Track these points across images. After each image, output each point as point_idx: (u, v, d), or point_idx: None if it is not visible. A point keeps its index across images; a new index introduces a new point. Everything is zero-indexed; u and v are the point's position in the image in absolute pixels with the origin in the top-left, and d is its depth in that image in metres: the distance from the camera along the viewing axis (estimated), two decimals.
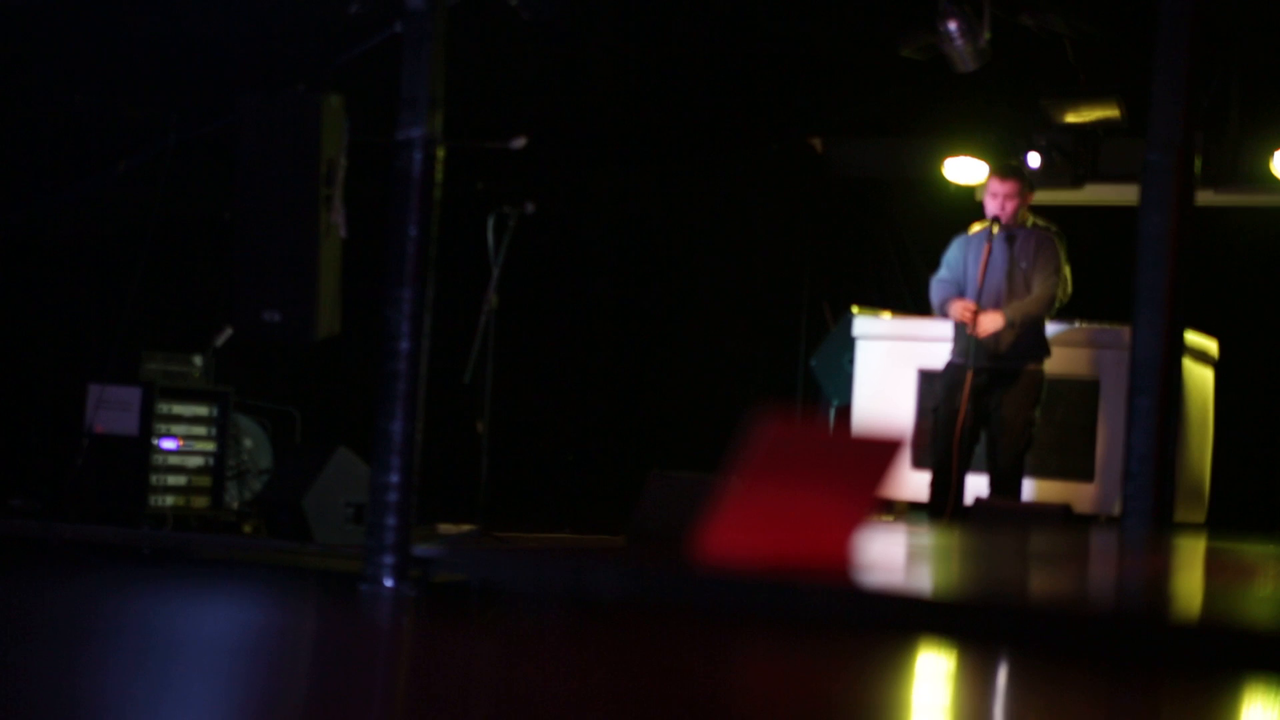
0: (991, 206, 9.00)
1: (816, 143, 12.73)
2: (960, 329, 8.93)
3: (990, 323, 8.77)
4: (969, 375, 8.83)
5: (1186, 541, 7.31)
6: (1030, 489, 9.12)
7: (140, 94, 9.78)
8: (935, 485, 8.91)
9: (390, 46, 8.17)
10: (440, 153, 7.60)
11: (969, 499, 8.91)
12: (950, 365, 9.00)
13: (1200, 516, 9.96)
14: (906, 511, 9.92)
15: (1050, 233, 9.23)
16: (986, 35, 9.50)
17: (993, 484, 8.87)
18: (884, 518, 9.63)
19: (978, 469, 9.05)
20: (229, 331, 9.85)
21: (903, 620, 3.03)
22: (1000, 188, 8.98)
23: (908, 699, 3.01)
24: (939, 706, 2.96)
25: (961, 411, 8.88)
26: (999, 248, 8.96)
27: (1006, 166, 9.38)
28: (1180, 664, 2.79)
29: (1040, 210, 10.45)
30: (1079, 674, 2.91)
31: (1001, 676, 3.06)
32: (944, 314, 9.05)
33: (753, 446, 3.04)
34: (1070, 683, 2.90)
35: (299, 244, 8.96)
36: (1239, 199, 11.21)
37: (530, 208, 9.27)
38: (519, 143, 9.32)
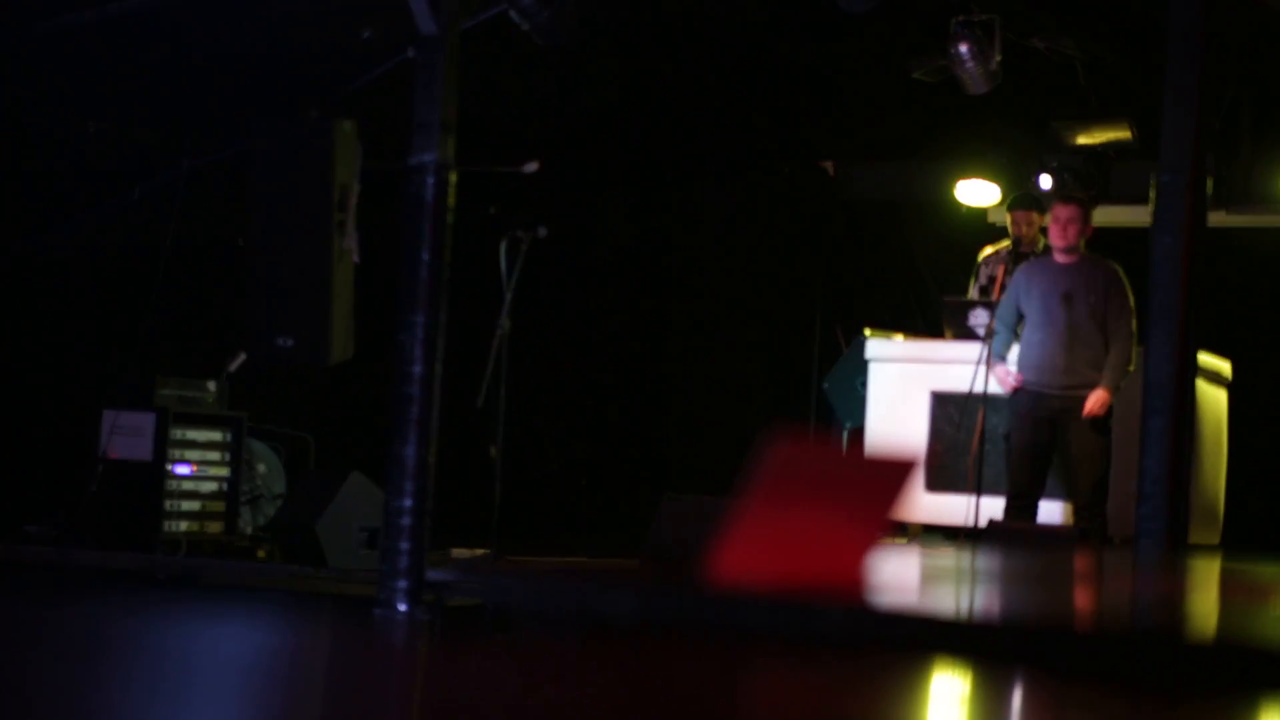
0: (1054, 231, 8.98)
1: (829, 166, 12.75)
2: (1034, 357, 8.91)
3: (1098, 403, 8.80)
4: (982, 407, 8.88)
5: (1201, 562, 7.29)
6: (1044, 511, 9.12)
7: (154, 120, 9.82)
8: (1010, 510, 8.92)
9: (402, 72, 8.19)
10: (453, 177, 7.61)
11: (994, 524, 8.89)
12: (1020, 393, 8.97)
13: (1215, 538, 9.94)
14: (920, 534, 9.92)
15: (1113, 266, 9.24)
16: (998, 58, 9.51)
17: (1076, 511, 8.86)
18: (898, 540, 9.63)
19: (1053, 495, 9.07)
20: (242, 357, 9.86)
21: (917, 640, 3.03)
22: (1063, 212, 8.97)
23: (923, 719, 3.01)
24: None
25: (976, 437, 8.92)
26: (1063, 277, 8.93)
27: (1070, 193, 9.41)
28: (1196, 683, 2.79)
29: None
30: (1094, 693, 2.90)
31: (1017, 696, 3.06)
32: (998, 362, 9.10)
33: (765, 467, 3.04)
34: (1086, 702, 2.90)
35: (312, 269, 8.98)
36: (1251, 220, 11.21)
37: (543, 232, 9.28)
38: (531, 167, 9.33)
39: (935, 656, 3.13)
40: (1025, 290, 9.04)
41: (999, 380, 9.08)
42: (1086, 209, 9.04)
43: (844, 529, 3.17)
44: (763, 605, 3.02)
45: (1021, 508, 8.89)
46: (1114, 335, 8.87)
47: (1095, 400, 8.78)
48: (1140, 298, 7.32)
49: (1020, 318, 9.08)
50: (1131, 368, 8.91)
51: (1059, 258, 8.98)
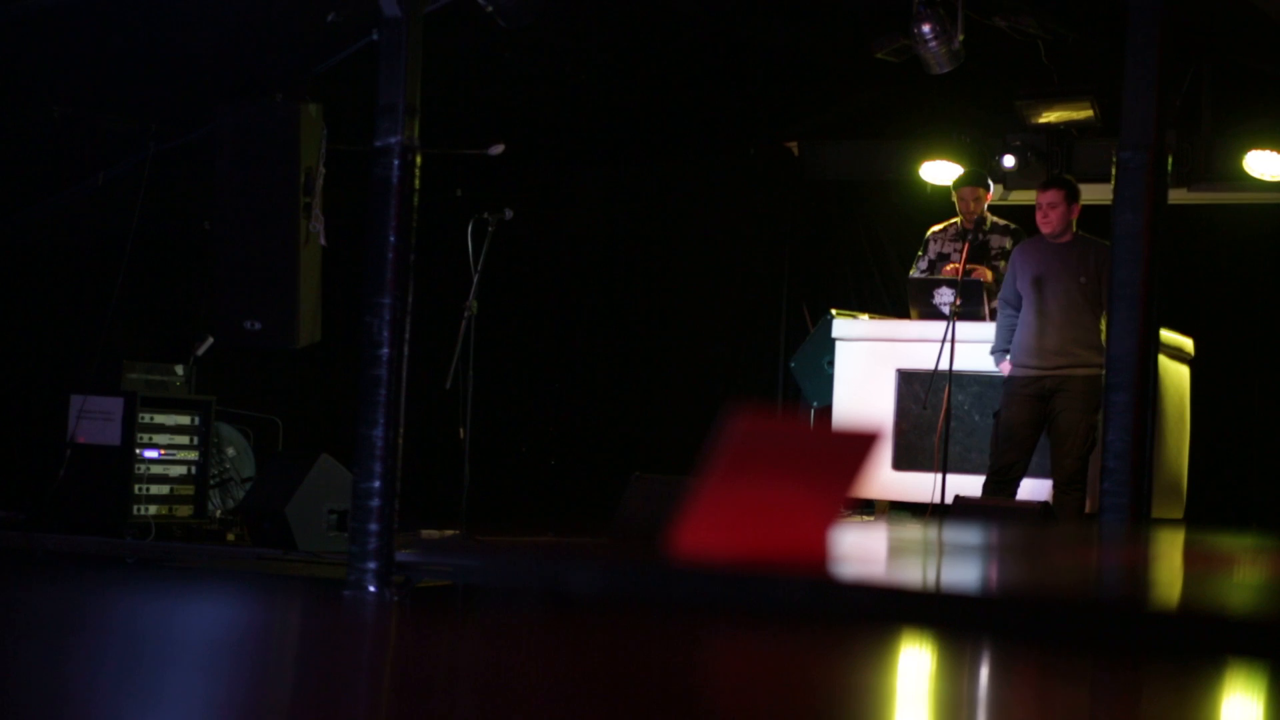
0: (1036, 218, 9.02)
1: (793, 146, 12.78)
2: (1026, 338, 8.95)
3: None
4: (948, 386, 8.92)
5: (1164, 533, 7.35)
6: (1027, 488, 9.16)
7: (120, 105, 9.79)
8: (990, 486, 8.95)
9: (367, 55, 8.19)
10: (418, 160, 7.62)
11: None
12: (1012, 372, 9.02)
13: (1178, 512, 10.01)
14: (888, 511, 9.96)
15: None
16: (960, 37, 9.54)
17: (1058, 487, 8.89)
18: (865, 517, 9.68)
19: (1038, 474, 9.11)
20: (210, 340, 9.86)
21: (882, 611, 3.05)
22: (1044, 198, 9.01)
23: (889, 688, 3.03)
24: (919, 695, 2.99)
25: (942, 415, 8.96)
26: (1054, 257, 8.97)
27: (1052, 177, 9.44)
28: (1159, 650, 2.82)
29: (1015, 210, 10.51)
30: (1059, 661, 2.94)
31: (982, 665, 3.09)
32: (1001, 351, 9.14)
33: (726, 441, 3.06)
34: (1050, 670, 2.94)
35: (279, 252, 8.99)
36: (1212, 197, 11.27)
37: (509, 213, 9.29)
38: (497, 149, 9.35)
39: (901, 627, 3.16)
40: (1020, 271, 9.08)
41: (1005, 372, 9.14)
42: (1069, 191, 9.04)
43: (806, 502, 3.19)
44: (728, 579, 3.05)
45: (1003, 484, 8.93)
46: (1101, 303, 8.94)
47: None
48: None
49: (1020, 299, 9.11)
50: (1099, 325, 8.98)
51: (1050, 239, 9.02)
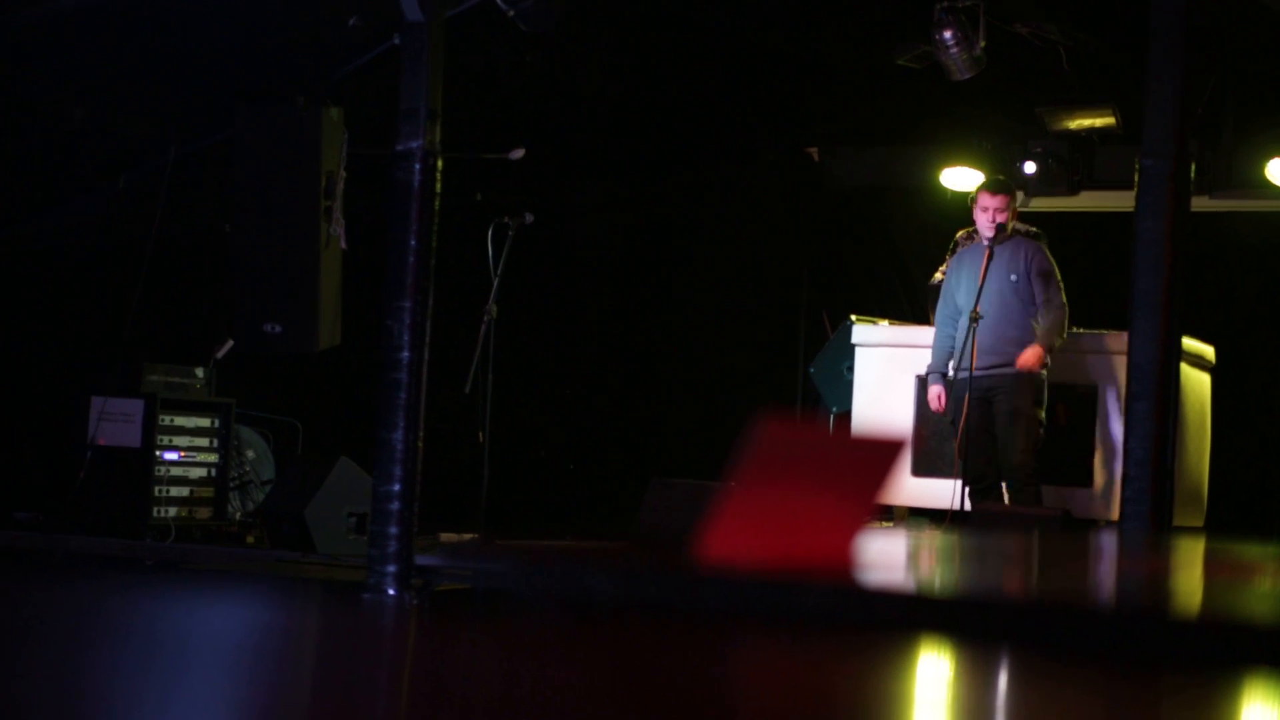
0: (982, 220, 9.07)
1: (813, 152, 12.77)
2: (963, 340, 8.97)
3: (1032, 356, 8.86)
4: (969, 383, 8.92)
5: (1185, 542, 7.33)
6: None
7: (141, 108, 9.81)
8: (973, 495, 8.95)
9: (389, 59, 8.20)
10: (439, 164, 7.63)
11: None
12: (955, 383, 9.03)
13: (1199, 520, 9.99)
14: (906, 517, 9.95)
15: (1034, 237, 9.32)
16: (981, 44, 9.54)
17: (1011, 485, 8.91)
18: (884, 524, 9.66)
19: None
20: (230, 343, 9.88)
21: (903, 618, 3.05)
22: (991, 201, 9.04)
23: (909, 696, 3.03)
24: (940, 703, 2.98)
25: (962, 419, 8.95)
26: (986, 259, 9.01)
27: (996, 181, 9.43)
28: (1180, 659, 2.81)
29: (1036, 217, 10.50)
30: (1080, 670, 2.93)
31: (1002, 673, 3.09)
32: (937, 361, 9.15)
33: (753, 448, 3.06)
34: (1071, 679, 2.93)
35: (299, 256, 9.00)
36: (1234, 205, 11.25)
37: (529, 218, 9.30)
38: (517, 154, 9.36)
39: (922, 634, 3.15)
40: (955, 278, 9.13)
41: (930, 402, 9.16)
42: (1013, 196, 9.16)
43: (832, 509, 3.19)
44: (750, 585, 3.04)
45: (984, 490, 8.93)
46: (1044, 307, 8.97)
47: (1028, 353, 8.86)
48: (1124, 282, 7.35)
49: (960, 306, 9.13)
50: (1064, 335, 9.00)
51: (984, 241, 9.06)
